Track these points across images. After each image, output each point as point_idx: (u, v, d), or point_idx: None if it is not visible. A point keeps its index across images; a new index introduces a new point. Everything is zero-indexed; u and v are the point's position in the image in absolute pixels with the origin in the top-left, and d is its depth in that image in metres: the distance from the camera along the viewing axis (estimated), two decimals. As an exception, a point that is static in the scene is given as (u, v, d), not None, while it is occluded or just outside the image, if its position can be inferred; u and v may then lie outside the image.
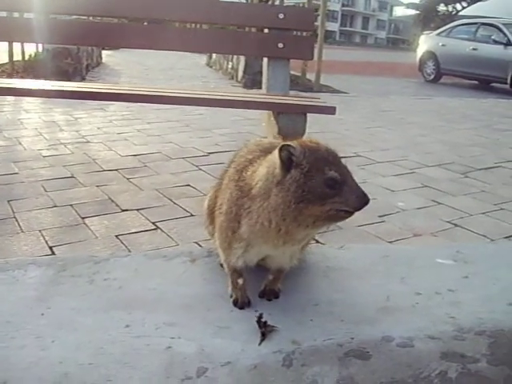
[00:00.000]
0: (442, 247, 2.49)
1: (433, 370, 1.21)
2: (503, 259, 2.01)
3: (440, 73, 18.41)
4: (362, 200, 1.40)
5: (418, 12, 63.25)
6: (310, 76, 12.16)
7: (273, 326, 1.41)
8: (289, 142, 1.44)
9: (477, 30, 17.85)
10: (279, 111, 3.77)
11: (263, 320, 1.45)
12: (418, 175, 4.91)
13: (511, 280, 1.83)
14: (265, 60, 4.54)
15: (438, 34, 19.10)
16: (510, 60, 15.83)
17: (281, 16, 4.45)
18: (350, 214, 1.43)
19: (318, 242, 2.81)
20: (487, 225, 3.67)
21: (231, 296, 1.64)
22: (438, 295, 1.68)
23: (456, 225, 3.61)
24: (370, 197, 1.41)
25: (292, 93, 5.01)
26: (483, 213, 3.95)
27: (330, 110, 3.78)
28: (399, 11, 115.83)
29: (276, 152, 1.43)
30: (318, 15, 12.49)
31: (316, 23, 13.10)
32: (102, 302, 1.70)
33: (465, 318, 1.55)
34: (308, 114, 3.95)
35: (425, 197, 4.24)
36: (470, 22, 19.14)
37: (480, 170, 5.32)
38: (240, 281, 1.63)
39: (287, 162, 1.41)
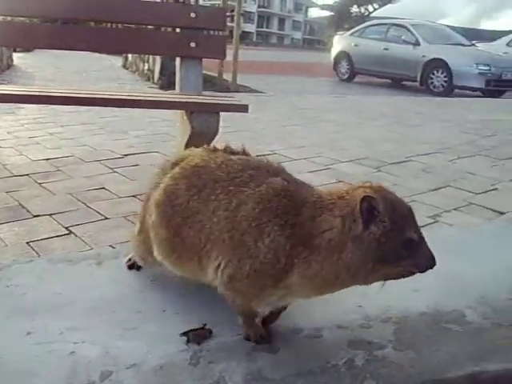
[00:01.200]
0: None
1: (340, 358, 1.23)
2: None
3: (354, 72, 18.90)
4: (432, 263, 1.29)
5: (332, 13, 64.80)
6: (227, 76, 12.17)
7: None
8: (369, 193, 1.27)
9: (387, 31, 18.46)
10: (192, 110, 3.74)
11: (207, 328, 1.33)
12: (332, 171, 5.01)
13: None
14: (177, 60, 4.51)
15: (351, 35, 19.61)
16: (418, 59, 16.46)
17: (192, 15, 4.43)
18: (414, 273, 1.32)
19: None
20: (399, 217, 3.78)
21: (247, 338, 1.37)
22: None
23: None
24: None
25: (208, 93, 5.00)
26: (395, 205, 4.07)
27: (243, 108, 3.80)
28: (314, 12, 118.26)
29: (356, 202, 1.26)
30: (234, 16, 12.53)
31: (232, 24, 13.15)
32: (4, 310, 1.62)
33: (372, 307, 1.58)
34: (224, 114, 3.95)
35: (339, 192, 4.32)
36: (381, 23, 19.78)
37: (392, 164, 5.49)
38: (256, 320, 1.41)
39: (367, 216, 1.26)
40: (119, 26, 6.48)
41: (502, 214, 4.20)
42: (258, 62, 23.37)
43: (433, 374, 1.23)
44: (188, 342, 1.29)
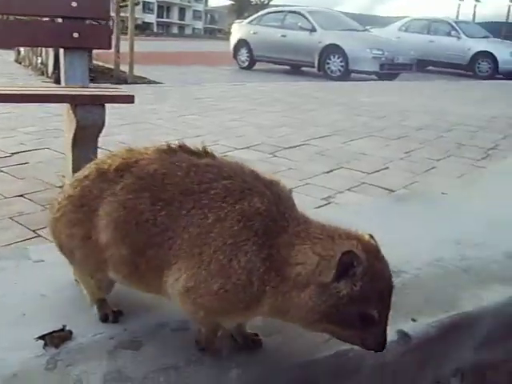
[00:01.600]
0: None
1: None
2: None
3: (253, 59, 19.00)
4: (379, 349, 1.18)
5: (232, 2, 64.83)
6: (125, 68, 11.89)
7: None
8: (356, 249, 1.13)
9: (284, 18, 18.68)
10: (76, 103, 3.59)
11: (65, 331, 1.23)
12: (230, 158, 4.99)
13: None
14: (61, 51, 4.32)
15: (250, 23, 19.69)
16: (315, 45, 16.77)
17: (74, 4, 4.24)
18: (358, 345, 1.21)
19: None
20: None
21: (201, 348, 1.27)
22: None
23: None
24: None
25: (95, 85, 4.83)
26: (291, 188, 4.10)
27: (129, 99, 3.68)
28: (214, 1, 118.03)
29: (338, 247, 1.14)
30: (127, 6, 12.24)
31: (126, 14, 12.83)
32: None
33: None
34: (119, 107, 3.83)
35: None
36: (278, 10, 19.99)
37: (287, 148, 5.54)
38: (218, 333, 1.29)
39: (342, 270, 1.13)
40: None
41: (392, 191, 4.34)
42: (158, 52, 23.01)
43: (301, 357, 1.23)
44: (45, 345, 1.20)
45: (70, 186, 1.37)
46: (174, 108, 7.81)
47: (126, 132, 5.88)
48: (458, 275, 1.67)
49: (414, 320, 1.41)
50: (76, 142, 3.84)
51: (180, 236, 1.20)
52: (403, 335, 1.37)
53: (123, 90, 4.24)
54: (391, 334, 1.35)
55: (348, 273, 1.12)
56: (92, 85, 4.60)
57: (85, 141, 3.83)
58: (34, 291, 1.44)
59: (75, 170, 3.78)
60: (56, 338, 1.22)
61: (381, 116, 8.12)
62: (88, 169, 1.38)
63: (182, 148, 1.34)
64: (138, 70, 11.98)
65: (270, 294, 1.17)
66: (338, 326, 1.15)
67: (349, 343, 1.20)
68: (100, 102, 3.59)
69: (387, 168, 5.17)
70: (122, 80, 11.11)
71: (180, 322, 1.30)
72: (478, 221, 2.10)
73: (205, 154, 1.34)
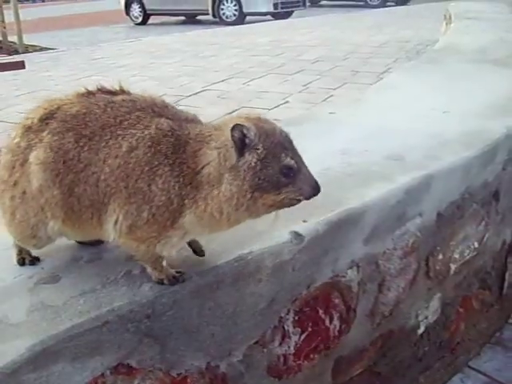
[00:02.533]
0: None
1: (119, 272, 1.31)
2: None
3: (147, 14, 18.59)
4: (316, 189, 1.26)
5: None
6: (14, 39, 11.40)
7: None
8: (241, 122, 1.20)
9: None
10: (-38, 76, 3.52)
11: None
12: (143, 93, 5.00)
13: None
14: None
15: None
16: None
17: None
18: (300, 201, 1.28)
19: None
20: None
21: (160, 282, 1.31)
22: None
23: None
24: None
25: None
26: (195, 134, 4.20)
27: (19, 65, 3.65)
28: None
29: (227, 131, 1.20)
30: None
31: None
32: None
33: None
34: (15, 77, 3.76)
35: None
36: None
37: (189, 96, 5.61)
38: (164, 263, 1.34)
39: (240, 144, 1.19)
40: None
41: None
42: (48, 18, 22.09)
43: (204, 265, 1.37)
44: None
45: (4, 154, 1.38)
46: (71, 72, 7.64)
47: (25, 102, 5.74)
48: (344, 180, 1.84)
49: (304, 221, 1.57)
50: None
51: (103, 170, 1.26)
52: (296, 235, 1.52)
53: (11, 57, 4.16)
54: (284, 236, 1.52)
55: (245, 144, 1.20)
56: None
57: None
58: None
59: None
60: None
61: (278, 54, 8.26)
62: (15, 130, 1.39)
63: (100, 90, 1.37)
64: (29, 39, 11.55)
65: (190, 205, 1.24)
66: (272, 192, 1.22)
67: (292, 205, 1.26)
68: (-11, 71, 3.53)
69: (287, 102, 5.35)
70: (13, 51, 10.69)
71: (92, 253, 1.40)
72: (361, 132, 2.28)
73: (121, 91, 1.38)
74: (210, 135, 1.26)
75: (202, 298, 1.36)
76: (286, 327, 1.64)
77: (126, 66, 7.86)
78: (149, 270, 1.34)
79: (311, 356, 1.75)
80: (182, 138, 1.27)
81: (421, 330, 2.24)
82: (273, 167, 1.21)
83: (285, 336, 1.64)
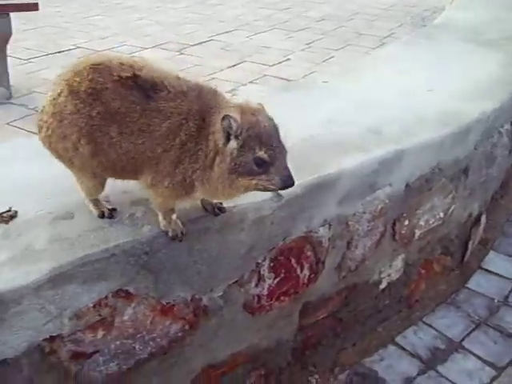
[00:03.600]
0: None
1: (124, 214, 1.54)
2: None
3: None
4: (286, 182, 1.42)
5: None
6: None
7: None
8: (231, 112, 1.39)
9: None
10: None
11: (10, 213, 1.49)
12: (138, 59, 5.15)
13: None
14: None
15: None
16: None
17: None
18: (274, 190, 1.47)
19: None
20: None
21: (165, 232, 1.56)
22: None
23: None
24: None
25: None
26: (196, 85, 4.38)
27: (32, 7, 3.78)
28: None
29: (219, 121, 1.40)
30: None
31: None
32: None
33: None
34: (21, 14, 3.89)
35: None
36: None
37: (194, 45, 5.75)
38: (174, 216, 1.58)
39: (227, 132, 1.39)
40: None
41: (290, 81, 4.71)
42: None
43: (197, 214, 1.62)
44: (-2, 222, 1.53)
45: (48, 104, 1.53)
46: (79, 9, 7.70)
47: (32, 37, 5.87)
48: (326, 147, 2.05)
49: (285, 183, 1.81)
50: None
51: (140, 157, 1.47)
52: (276, 194, 1.77)
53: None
54: (266, 194, 1.75)
55: (231, 132, 1.39)
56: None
57: (-7, 47, 3.94)
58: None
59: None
60: (5, 217, 1.54)
61: (284, 8, 8.32)
62: (59, 85, 1.51)
63: (136, 80, 1.46)
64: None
65: (199, 184, 1.47)
66: (247, 177, 1.40)
67: (267, 190, 1.47)
68: (5, 11, 3.68)
69: (288, 59, 5.51)
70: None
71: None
72: (350, 103, 2.49)
73: (154, 92, 1.47)
74: (209, 123, 1.45)
75: (192, 240, 1.61)
76: (261, 271, 1.90)
77: (132, 7, 7.92)
78: (160, 218, 1.58)
79: (282, 298, 2.02)
80: (202, 133, 1.47)
81: (383, 286, 2.51)
82: (248, 156, 1.40)
83: (260, 279, 1.91)
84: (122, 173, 1.57)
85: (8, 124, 3.76)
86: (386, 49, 3.95)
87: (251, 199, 1.70)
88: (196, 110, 1.48)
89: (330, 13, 8.16)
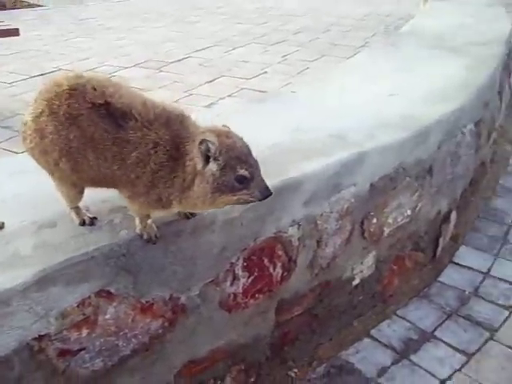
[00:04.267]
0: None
1: (104, 221, 1.69)
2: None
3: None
4: (265, 193, 1.57)
5: None
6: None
7: None
8: (207, 136, 1.51)
9: None
10: (-39, 40, 3.80)
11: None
12: (118, 78, 5.30)
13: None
14: None
15: None
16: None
17: None
18: (253, 202, 1.60)
19: None
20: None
21: (140, 235, 1.69)
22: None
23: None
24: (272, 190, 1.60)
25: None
26: (175, 101, 4.53)
27: (13, 33, 3.92)
28: None
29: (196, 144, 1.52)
30: None
31: None
32: None
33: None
34: (2, 39, 4.02)
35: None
36: None
37: (172, 63, 5.90)
38: (149, 221, 1.71)
39: (205, 155, 1.51)
40: None
41: (265, 91, 4.86)
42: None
43: (170, 217, 1.76)
44: (-14, 234, 1.67)
45: (30, 120, 1.63)
46: (59, 32, 7.83)
47: (15, 61, 6.00)
48: (291, 153, 2.19)
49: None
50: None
51: (118, 179, 1.58)
52: (244, 197, 1.91)
53: (4, 22, 4.41)
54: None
55: (209, 155, 1.51)
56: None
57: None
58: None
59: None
60: (-8, 228, 1.67)
61: (262, 22, 8.50)
62: (40, 104, 1.62)
63: (108, 108, 1.56)
64: (15, -8, 11.55)
65: (176, 203, 1.60)
66: (229, 194, 1.53)
67: (247, 203, 1.61)
68: (-16, 38, 3.81)
69: (265, 72, 5.66)
70: (1, 6, 10.76)
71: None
72: (315, 111, 2.64)
73: (124, 121, 1.56)
74: (188, 147, 1.57)
75: (167, 242, 1.75)
76: (236, 271, 2.03)
77: (113, 28, 8.08)
78: (136, 221, 1.72)
79: (257, 296, 2.15)
80: (176, 157, 1.57)
81: (356, 282, 2.66)
82: (229, 176, 1.54)
83: (235, 278, 2.04)
84: (100, 185, 1.69)
85: (-6, 146, 3.88)
86: (355, 58, 4.12)
87: (220, 202, 1.84)
88: (166, 139, 1.58)
89: (306, 25, 8.36)
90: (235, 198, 1.57)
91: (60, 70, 5.63)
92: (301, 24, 8.48)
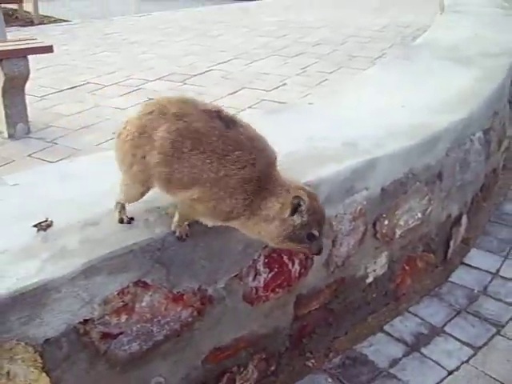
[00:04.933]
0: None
1: (140, 219, 1.90)
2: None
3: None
4: (319, 252, 1.86)
5: None
6: (28, 7, 11.82)
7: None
8: (302, 195, 1.76)
9: None
10: (1, 58, 4.07)
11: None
12: (143, 91, 5.56)
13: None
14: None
15: None
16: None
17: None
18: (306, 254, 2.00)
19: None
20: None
21: (173, 232, 1.89)
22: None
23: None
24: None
25: (13, 30, 5.17)
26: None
27: (48, 49, 4.19)
28: None
29: (291, 196, 1.76)
30: None
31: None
32: None
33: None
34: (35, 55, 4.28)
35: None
36: None
37: (195, 76, 6.14)
38: (186, 223, 1.92)
39: (294, 209, 1.76)
40: None
41: (284, 103, 5.06)
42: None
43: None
44: (38, 230, 1.88)
45: (136, 118, 1.86)
46: (86, 46, 8.15)
47: (45, 76, 6.30)
48: (307, 160, 2.39)
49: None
50: (5, 91, 4.34)
51: (202, 172, 1.76)
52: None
53: (39, 40, 4.67)
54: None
55: (297, 210, 1.76)
56: (10, 33, 4.98)
57: (13, 90, 4.35)
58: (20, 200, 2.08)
59: (8, 116, 4.32)
60: (43, 226, 1.89)
61: (281, 35, 8.74)
62: (151, 106, 1.86)
63: (219, 114, 1.82)
64: (42, 8, 11.93)
65: (243, 221, 1.82)
66: (294, 243, 1.80)
67: (300, 252, 1.95)
68: (23, 54, 4.08)
69: (285, 84, 5.89)
70: (29, 21, 11.13)
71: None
72: (329, 122, 2.83)
73: (233, 124, 1.81)
74: (281, 193, 1.80)
75: (196, 239, 1.96)
76: (257, 267, 2.23)
77: (137, 42, 8.37)
78: (175, 219, 1.92)
79: (276, 290, 2.35)
80: (263, 186, 1.81)
81: (369, 280, 2.84)
82: (305, 231, 1.79)
83: (257, 273, 2.24)
84: (172, 186, 1.85)
85: (29, 156, 4.14)
86: (369, 71, 4.31)
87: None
88: (260, 170, 1.82)
89: (325, 37, 8.57)
90: (296, 247, 1.85)
91: (88, 83, 5.91)
92: (319, 36, 8.70)
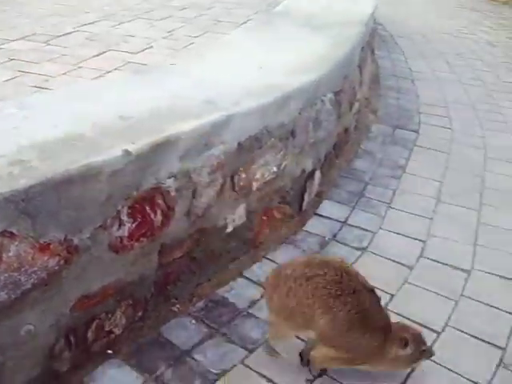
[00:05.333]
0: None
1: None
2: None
3: None
4: (433, 353, 2.44)
5: None
6: None
7: None
8: (409, 339, 2.28)
9: None
10: None
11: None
12: (4, 51, 5.37)
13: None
14: None
15: None
16: None
17: None
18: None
19: None
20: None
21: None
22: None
23: (41, 87, 4.32)
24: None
25: None
26: (64, 73, 4.73)
27: None
28: None
29: (401, 342, 2.27)
30: None
31: None
32: None
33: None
34: None
35: (12, 69, 4.78)
36: None
37: (60, 36, 6.00)
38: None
39: (404, 346, 2.27)
40: None
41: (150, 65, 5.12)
42: None
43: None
44: None
45: (297, 283, 2.26)
46: None
47: None
48: (168, 115, 2.50)
49: (133, 143, 2.27)
50: None
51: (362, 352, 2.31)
52: (126, 152, 2.21)
53: None
54: (118, 152, 2.22)
55: (404, 347, 2.28)
56: None
57: None
58: None
59: None
60: None
61: (148, -2, 8.67)
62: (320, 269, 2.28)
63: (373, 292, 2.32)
64: None
65: (368, 366, 2.35)
66: (411, 363, 2.41)
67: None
68: None
69: (151, 47, 5.91)
70: None
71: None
72: (192, 82, 2.99)
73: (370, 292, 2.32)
74: (394, 336, 2.30)
75: (59, 190, 2.05)
76: (121, 217, 2.37)
77: (-3, 0, 7.96)
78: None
79: (140, 239, 2.49)
80: (383, 331, 2.30)
81: (229, 229, 3.07)
82: (415, 355, 2.34)
83: (121, 223, 2.37)
84: (308, 329, 2.35)
85: None
86: (231, 35, 4.50)
87: (105, 156, 2.17)
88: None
89: (192, 1, 8.60)
90: (413, 364, 2.43)
91: None
92: (186, 0, 8.72)
